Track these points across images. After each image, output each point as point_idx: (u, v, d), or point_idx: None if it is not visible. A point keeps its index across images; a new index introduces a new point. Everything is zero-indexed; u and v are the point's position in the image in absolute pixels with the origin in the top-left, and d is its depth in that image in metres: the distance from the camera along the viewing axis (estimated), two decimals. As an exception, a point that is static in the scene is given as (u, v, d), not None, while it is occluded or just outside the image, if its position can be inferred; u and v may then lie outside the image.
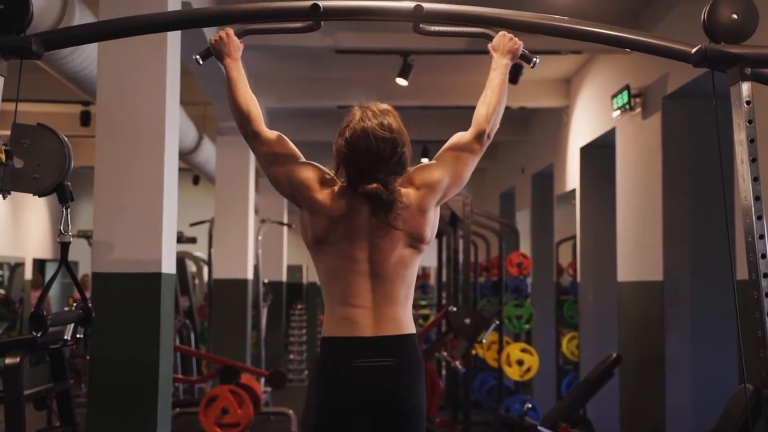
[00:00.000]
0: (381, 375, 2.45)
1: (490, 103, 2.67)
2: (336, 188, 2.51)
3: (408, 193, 2.53)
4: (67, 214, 2.57)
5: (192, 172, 11.87)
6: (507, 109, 8.93)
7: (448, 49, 6.87)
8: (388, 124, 2.48)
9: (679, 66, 5.76)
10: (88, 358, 5.14)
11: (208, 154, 9.27)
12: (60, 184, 2.43)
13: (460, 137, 2.67)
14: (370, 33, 6.65)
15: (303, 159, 2.60)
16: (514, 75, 7.00)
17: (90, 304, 2.71)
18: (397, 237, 2.49)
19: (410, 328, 2.53)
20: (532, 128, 10.42)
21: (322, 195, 2.51)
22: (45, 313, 2.46)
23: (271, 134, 2.60)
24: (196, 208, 12.33)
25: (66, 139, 2.44)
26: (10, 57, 2.24)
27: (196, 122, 8.65)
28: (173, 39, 4.36)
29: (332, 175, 2.55)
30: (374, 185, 2.44)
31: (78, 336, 3.45)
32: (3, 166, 2.24)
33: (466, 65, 7.65)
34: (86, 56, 5.00)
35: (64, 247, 2.64)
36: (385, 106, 2.56)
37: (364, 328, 2.47)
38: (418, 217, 2.52)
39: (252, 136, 2.58)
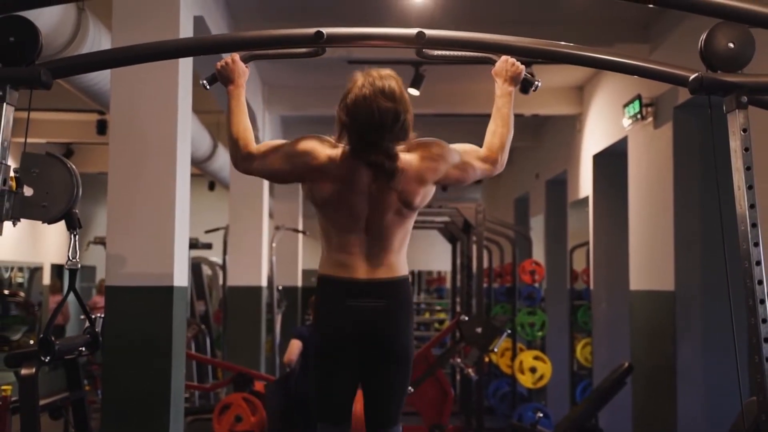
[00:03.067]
0: (371, 315, 2.58)
1: (502, 134, 2.74)
2: (338, 152, 2.58)
3: (410, 160, 2.59)
4: (75, 241, 2.62)
5: (207, 178, 11.95)
6: (520, 116, 8.88)
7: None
8: (390, 90, 2.52)
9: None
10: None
11: (222, 161, 9.33)
12: (68, 212, 2.49)
13: (476, 150, 2.75)
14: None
15: (292, 140, 2.67)
16: (525, 87, 7.02)
17: (97, 329, 2.75)
18: (392, 200, 2.58)
19: (402, 271, 2.65)
20: (546, 135, 10.43)
21: (323, 161, 2.58)
22: (54, 338, 2.51)
23: (259, 146, 2.68)
24: (212, 212, 12.41)
25: (74, 167, 2.50)
26: (21, 87, 2.30)
27: (210, 130, 8.72)
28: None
29: (332, 140, 2.62)
30: (378, 155, 2.51)
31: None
32: (13, 194, 2.29)
33: (477, 74, 7.65)
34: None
35: (72, 273, 2.70)
36: (387, 71, 2.60)
37: (358, 272, 2.59)
38: (414, 185, 2.60)
39: (243, 159, 2.66)
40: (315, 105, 8.62)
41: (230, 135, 2.65)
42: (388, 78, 2.56)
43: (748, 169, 2.22)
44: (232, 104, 2.66)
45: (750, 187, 2.22)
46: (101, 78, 5.15)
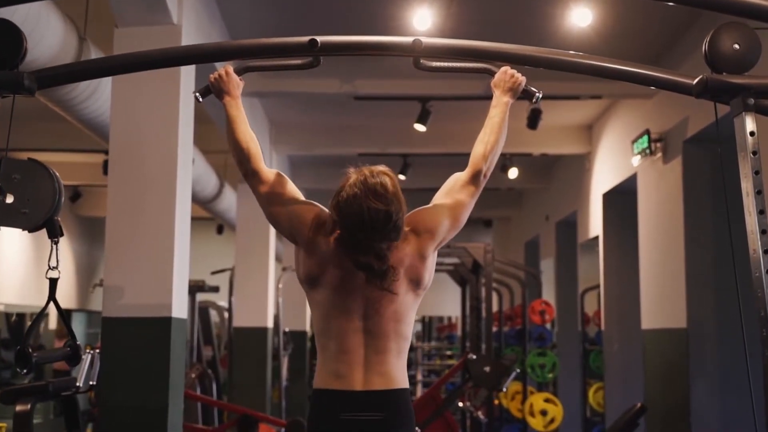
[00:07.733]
0: (368, 429, 2.39)
1: (488, 142, 2.63)
2: (336, 236, 2.44)
3: (407, 239, 2.47)
4: (55, 250, 2.55)
5: (216, 222, 11.90)
6: (529, 156, 8.80)
7: (466, 95, 6.86)
8: (382, 189, 2.37)
9: (698, 110, 5.72)
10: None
11: (229, 202, 9.29)
12: (50, 220, 2.41)
13: (456, 179, 2.62)
14: (388, 79, 6.66)
15: (303, 198, 2.56)
16: (533, 121, 6.98)
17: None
18: (387, 299, 2.42)
19: (402, 383, 2.45)
20: (555, 175, 10.36)
21: (321, 239, 2.44)
22: (32, 350, 2.42)
23: (271, 173, 2.55)
24: (220, 257, 12.35)
25: (57, 174, 2.43)
26: (3, 92, 2.24)
27: (218, 170, 8.68)
28: (186, 85, 4.37)
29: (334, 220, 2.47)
30: (367, 257, 2.36)
31: (91, 383, 3.40)
32: (-6, 201, 2.23)
33: (485, 111, 7.63)
34: (102, 102, 5.03)
35: (53, 283, 2.62)
36: (381, 168, 2.45)
37: (355, 382, 2.41)
38: (417, 262, 2.46)
39: (251, 174, 2.53)
40: (322, 144, 8.57)
41: (236, 142, 2.52)
42: (380, 175, 2.40)
43: (756, 173, 2.12)
44: (233, 113, 2.55)
45: (759, 192, 2.12)
46: (105, 109, 5.10)
